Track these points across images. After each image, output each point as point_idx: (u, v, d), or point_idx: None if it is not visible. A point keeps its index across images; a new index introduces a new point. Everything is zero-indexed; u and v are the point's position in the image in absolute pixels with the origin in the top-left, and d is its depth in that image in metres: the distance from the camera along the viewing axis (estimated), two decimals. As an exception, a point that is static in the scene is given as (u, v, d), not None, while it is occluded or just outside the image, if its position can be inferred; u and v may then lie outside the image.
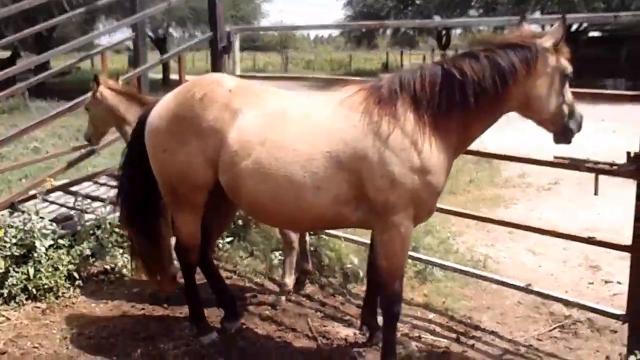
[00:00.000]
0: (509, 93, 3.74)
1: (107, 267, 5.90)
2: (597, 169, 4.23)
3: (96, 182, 7.12)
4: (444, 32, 39.42)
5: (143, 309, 5.33)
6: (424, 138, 3.71)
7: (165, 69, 34.13)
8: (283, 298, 5.44)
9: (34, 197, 6.01)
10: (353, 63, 47.66)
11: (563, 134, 3.90)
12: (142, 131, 4.45)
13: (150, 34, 36.96)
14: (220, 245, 6.40)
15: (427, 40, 47.87)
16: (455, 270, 5.43)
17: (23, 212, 5.53)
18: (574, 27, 33.42)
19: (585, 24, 32.26)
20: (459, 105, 3.73)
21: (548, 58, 3.72)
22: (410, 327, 5.05)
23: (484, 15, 36.21)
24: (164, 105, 4.31)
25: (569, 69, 3.78)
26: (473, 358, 4.56)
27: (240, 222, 6.65)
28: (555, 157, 4.49)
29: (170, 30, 37.14)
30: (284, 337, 4.87)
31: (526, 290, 4.80)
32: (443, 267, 5.57)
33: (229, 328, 4.90)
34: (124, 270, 5.89)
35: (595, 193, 4.38)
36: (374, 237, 4.37)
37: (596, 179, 4.33)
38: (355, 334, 4.93)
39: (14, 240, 5.11)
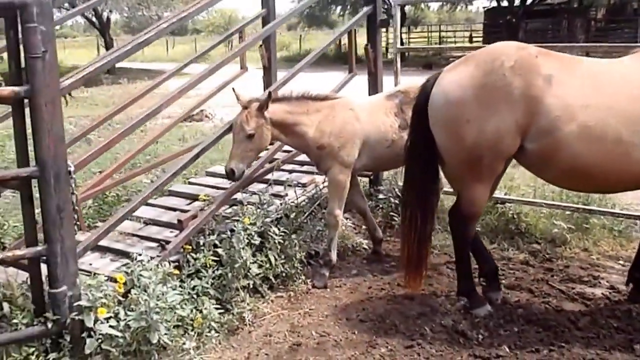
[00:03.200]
0: None
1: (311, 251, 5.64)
2: None
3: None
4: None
5: (383, 289, 5.14)
6: None
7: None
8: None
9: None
10: (302, 44, 45.74)
11: None
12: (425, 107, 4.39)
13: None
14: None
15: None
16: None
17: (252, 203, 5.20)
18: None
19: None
20: None
21: None
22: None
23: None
24: (463, 75, 4.16)
25: None
26: None
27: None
28: None
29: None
30: (550, 302, 4.79)
31: None
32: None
33: (494, 298, 4.77)
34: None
35: None
36: None
37: None
38: (610, 292, 4.94)
39: (254, 228, 4.79)
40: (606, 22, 36.13)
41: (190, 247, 4.62)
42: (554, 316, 4.56)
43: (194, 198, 5.93)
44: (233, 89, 5.22)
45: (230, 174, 4.89)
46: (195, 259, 4.54)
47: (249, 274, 4.71)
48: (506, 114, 4.00)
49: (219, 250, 4.63)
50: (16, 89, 3.27)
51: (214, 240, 4.68)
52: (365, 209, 5.73)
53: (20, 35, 3.34)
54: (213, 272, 4.51)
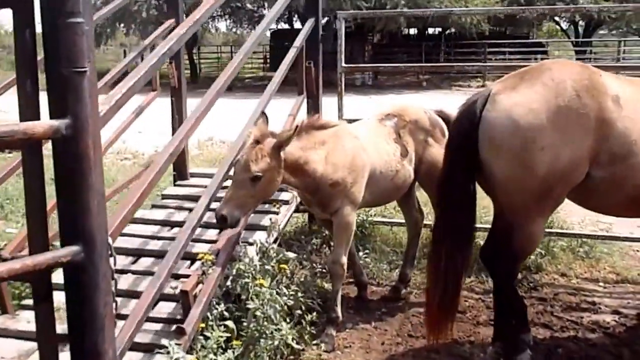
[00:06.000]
0: None
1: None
2: None
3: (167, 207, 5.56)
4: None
5: (398, 343, 4.46)
6: None
7: None
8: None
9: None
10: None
11: None
12: (466, 134, 3.86)
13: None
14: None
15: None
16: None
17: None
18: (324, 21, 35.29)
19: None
20: None
21: None
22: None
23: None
24: (532, 97, 3.65)
25: None
26: None
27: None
28: None
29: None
30: (575, 336, 4.53)
31: None
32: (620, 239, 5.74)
33: (527, 340, 4.32)
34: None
35: None
36: None
37: None
38: (619, 318, 4.80)
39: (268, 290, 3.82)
40: (382, 47, 38.52)
41: (203, 324, 3.56)
42: (594, 352, 4.29)
43: (132, 254, 4.74)
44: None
45: (221, 221, 3.82)
46: (206, 338, 3.51)
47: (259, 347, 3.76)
48: (581, 139, 3.59)
49: (229, 323, 3.65)
50: (55, 123, 2.02)
51: (222, 310, 3.69)
52: (354, 251, 4.99)
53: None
54: (233, 352, 3.51)
